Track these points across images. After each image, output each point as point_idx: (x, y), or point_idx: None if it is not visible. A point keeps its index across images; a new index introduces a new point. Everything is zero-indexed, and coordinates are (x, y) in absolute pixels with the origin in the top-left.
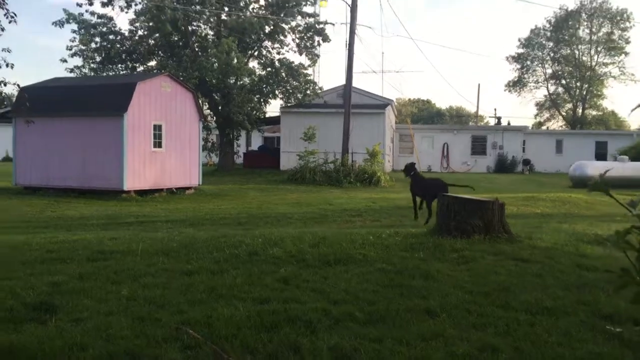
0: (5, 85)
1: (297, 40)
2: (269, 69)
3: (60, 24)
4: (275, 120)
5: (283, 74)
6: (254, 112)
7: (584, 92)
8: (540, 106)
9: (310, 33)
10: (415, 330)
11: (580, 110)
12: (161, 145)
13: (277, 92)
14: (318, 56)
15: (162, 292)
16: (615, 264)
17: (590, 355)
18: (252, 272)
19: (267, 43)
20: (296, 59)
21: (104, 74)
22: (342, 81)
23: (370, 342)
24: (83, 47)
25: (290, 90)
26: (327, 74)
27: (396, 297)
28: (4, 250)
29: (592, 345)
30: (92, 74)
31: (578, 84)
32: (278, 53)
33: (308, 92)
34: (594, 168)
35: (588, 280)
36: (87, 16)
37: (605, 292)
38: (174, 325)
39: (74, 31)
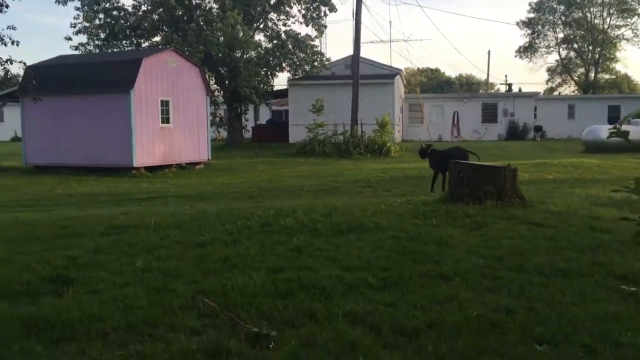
0: (11, 63)
1: (303, 11)
2: (275, 41)
3: (63, 1)
4: (283, 93)
5: (290, 46)
6: (262, 85)
7: (597, 56)
8: (551, 72)
9: (316, 3)
10: (429, 295)
11: (593, 75)
12: (169, 121)
13: (284, 64)
14: (325, 27)
15: (177, 264)
16: (630, 226)
17: (605, 314)
18: (264, 243)
19: (273, 15)
20: (302, 30)
21: (109, 50)
22: (349, 52)
23: (385, 306)
24: (87, 24)
25: (298, 63)
26: (335, 45)
27: (409, 263)
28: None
29: (607, 304)
30: (97, 51)
31: (590, 47)
32: (284, 25)
33: (315, 63)
34: (607, 132)
35: (602, 242)
36: None
37: (619, 252)
38: (189, 295)
39: (77, 8)
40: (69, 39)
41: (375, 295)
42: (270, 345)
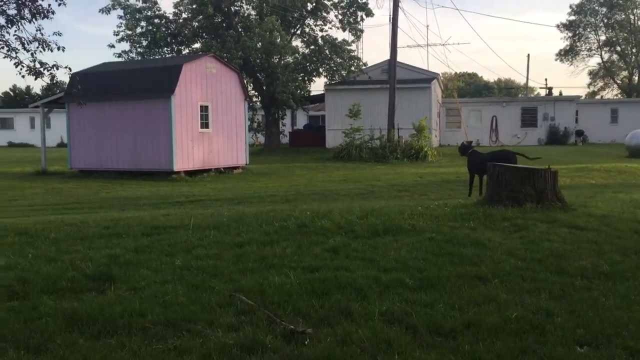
0: (57, 68)
1: (340, 16)
2: (312, 46)
3: (106, 10)
4: (319, 98)
5: (327, 51)
6: (299, 90)
7: None
8: (593, 75)
9: (353, 8)
10: (467, 296)
11: (637, 78)
12: (208, 126)
13: (321, 69)
14: (362, 31)
15: (215, 263)
16: None
17: None
18: (301, 243)
19: (310, 20)
20: (339, 35)
21: (151, 57)
22: (386, 56)
23: (422, 307)
24: (129, 32)
25: (334, 68)
26: (371, 50)
27: (446, 265)
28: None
29: None
30: (139, 58)
31: (634, 50)
32: (321, 30)
33: (352, 68)
34: None
35: None
36: (132, 1)
37: None
38: (227, 293)
39: (120, 17)
40: (112, 46)
41: (412, 296)
42: (306, 342)
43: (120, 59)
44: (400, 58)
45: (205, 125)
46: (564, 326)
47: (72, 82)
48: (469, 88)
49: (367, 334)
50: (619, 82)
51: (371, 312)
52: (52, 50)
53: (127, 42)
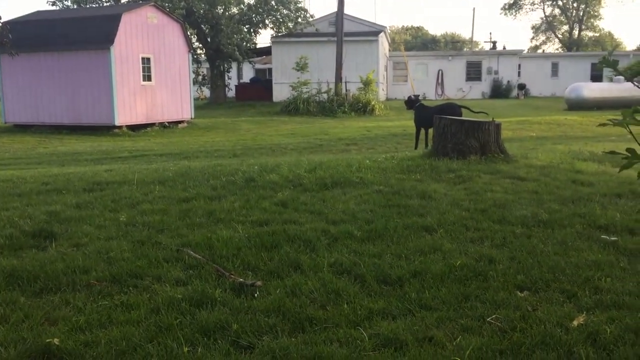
0: None
1: None
2: None
3: None
4: (266, 51)
5: (273, 3)
6: (244, 42)
7: (581, 13)
8: (536, 29)
9: None
10: (413, 246)
11: (577, 32)
12: (151, 79)
13: (267, 21)
14: None
15: (161, 218)
16: (610, 179)
17: (586, 262)
18: (249, 197)
19: None
20: None
21: (87, 6)
22: (333, 8)
23: (370, 257)
24: None
25: (281, 19)
26: (318, 1)
27: (394, 216)
28: None
29: (587, 253)
30: (75, 6)
31: (575, 4)
32: None
33: (299, 20)
34: (590, 90)
35: (584, 195)
36: None
37: (601, 204)
38: (174, 248)
39: None
40: None
41: (360, 247)
42: (256, 295)
43: (54, 8)
44: (347, 10)
45: (147, 77)
46: (505, 272)
47: (3, 31)
48: (415, 42)
49: (317, 285)
50: (560, 36)
51: (320, 263)
52: None
53: None
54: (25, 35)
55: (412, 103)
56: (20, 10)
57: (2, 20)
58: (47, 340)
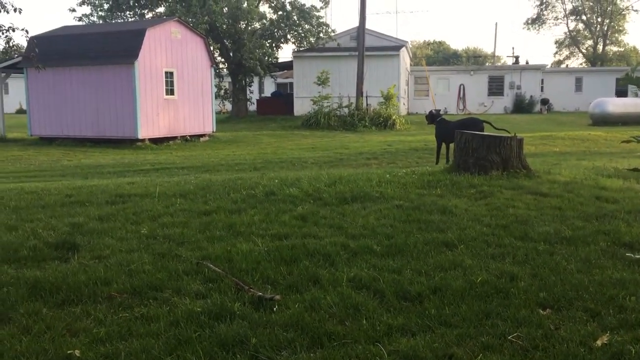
0: (13, 31)
1: None
2: (280, 12)
3: None
4: (287, 65)
5: (295, 17)
6: (266, 57)
7: (605, 28)
8: (559, 44)
9: None
10: (433, 262)
11: (601, 47)
12: (174, 93)
13: (289, 36)
14: None
15: (181, 231)
16: (636, 196)
17: (610, 281)
18: (269, 211)
19: None
20: (308, 1)
21: (113, 21)
22: (355, 23)
23: (389, 272)
24: None
25: (303, 34)
26: (340, 16)
27: (414, 231)
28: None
29: (611, 271)
30: (101, 22)
31: (599, 19)
32: None
33: (321, 35)
34: (615, 105)
35: (608, 211)
36: None
37: (625, 221)
38: (194, 261)
39: None
40: (73, 10)
41: (380, 262)
42: (275, 309)
43: (81, 23)
44: (369, 25)
45: (170, 91)
46: (527, 289)
47: (30, 45)
48: (437, 56)
49: (335, 299)
50: (584, 51)
51: (339, 278)
52: (7, 12)
53: (88, 5)
54: (52, 49)
55: (434, 117)
56: (47, 26)
57: (29, 35)
58: (69, 352)
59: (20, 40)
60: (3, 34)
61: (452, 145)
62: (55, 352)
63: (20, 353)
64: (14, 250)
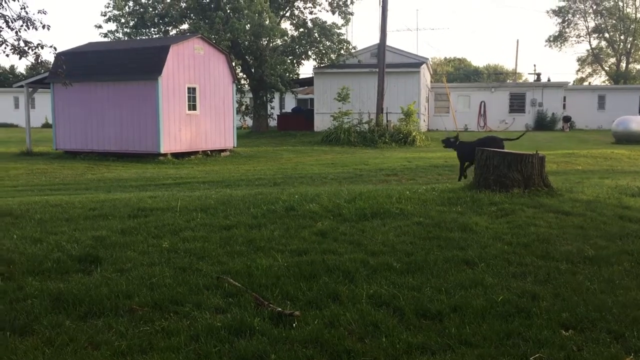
0: (42, 47)
1: None
2: (301, 29)
3: None
4: (308, 82)
5: (316, 34)
6: (287, 73)
7: (628, 46)
8: (581, 61)
9: None
10: (453, 280)
11: (624, 65)
12: (196, 108)
13: (310, 52)
14: (351, 14)
15: (202, 245)
16: None
17: (634, 302)
18: (289, 226)
19: (300, 3)
20: (329, 18)
21: (138, 38)
22: (376, 40)
23: (409, 290)
24: (117, 12)
25: (324, 51)
26: (361, 33)
27: (434, 249)
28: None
29: (636, 292)
30: (126, 38)
31: (622, 37)
32: (310, 13)
33: (341, 52)
34: (638, 123)
35: (632, 231)
36: None
37: None
38: (214, 275)
39: None
40: (99, 27)
41: (400, 279)
42: (294, 325)
43: (106, 39)
44: (389, 42)
45: (192, 107)
46: (549, 309)
47: (57, 61)
48: (457, 73)
49: (355, 316)
50: (606, 68)
51: (359, 295)
52: (36, 29)
53: (114, 22)
54: (78, 65)
55: (450, 144)
56: (73, 42)
57: (56, 52)
58: None
59: (47, 56)
60: (32, 50)
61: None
62: None
63: None
64: (39, 262)
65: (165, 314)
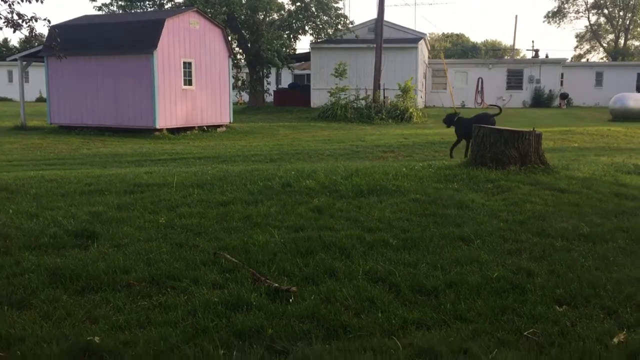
0: (35, 20)
1: None
2: (298, 3)
3: None
4: (305, 57)
5: (313, 9)
6: (284, 48)
7: (627, 22)
8: (580, 38)
9: None
10: (449, 256)
11: (623, 41)
12: (191, 83)
13: (307, 27)
14: None
15: (199, 221)
16: None
17: (628, 279)
18: (285, 203)
19: None
20: None
21: (132, 11)
22: (373, 15)
23: (405, 266)
24: None
25: (321, 26)
26: (358, 8)
27: (430, 225)
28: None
29: (630, 269)
30: (120, 11)
31: (621, 13)
32: None
33: (339, 26)
34: (636, 100)
35: (627, 209)
36: None
37: None
38: (211, 251)
39: None
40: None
41: (396, 256)
42: (291, 300)
43: (100, 13)
44: (387, 17)
45: (188, 82)
46: (543, 286)
47: (51, 35)
48: (455, 49)
49: (351, 292)
50: (605, 45)
51: (355, 271)
52: (30, 2)
53: None
54: (72, 38)
55: (451, 121)
56: (67, 15)
57: (50, 24)
58: (88, 338)
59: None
60: (26, 23)
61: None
62: (75, 338)
63: (41, 338)
64: (35, 237)
65: (163, 289)
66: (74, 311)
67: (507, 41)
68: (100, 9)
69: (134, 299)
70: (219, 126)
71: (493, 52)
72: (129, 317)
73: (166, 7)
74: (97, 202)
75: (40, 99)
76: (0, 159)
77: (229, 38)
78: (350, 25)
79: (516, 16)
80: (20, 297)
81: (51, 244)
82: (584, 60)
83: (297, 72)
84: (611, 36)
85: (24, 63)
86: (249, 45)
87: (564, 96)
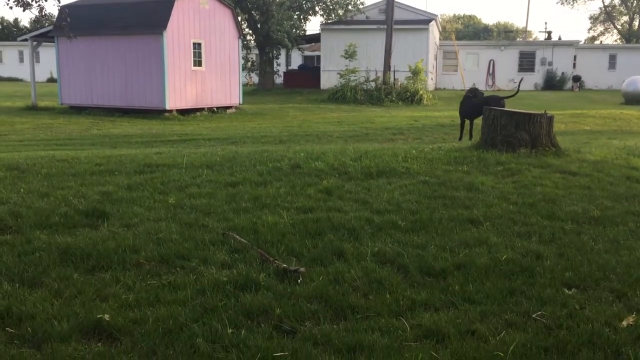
0: (45, 0)
1: None
2: None
3: None
4: (315, 38)
5: None
6: (294, 29)
7: None
8: (593, 19)
9: None
10: (458, 238)
11: (637, 23)
12: (201, 64)
13: (317, 8)
14: None
15: (208, 201)
16: None
17: (638, 262)
18: (295, 184)
19: None
20: None
21: None
22: None
23: (414, 248)
24: None
25: (331, 6)
26: None
27: (439, 207)
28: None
29: None
30: None
31: None
32: None
33: (349, 7)
34: None
35: (638, 192)
36: None
37: None
38: (220, 231)
39: None
40: None
41: (404, 237)
42: (299, 281)
43: None
44: None
45: (198, 63)
46: (552, 269)
47: (61, 14)
48: (467, 30)
49: (359, 273)
50: (619, 27)
51: (363, 252)
52: None
53: None
54: (82, 18)
55: (475, 94)
56: None
57: (60, 4)
58: (98, 316)
59: (51, 8)
60: (36, 2)
61: (475, 122)
62: (85, 316)
63: (52, 316)
64: (46, 216)
65: (172, 268)
66: (85, 289)
67: (519, 23)
68: None
69: (144, 277)
70: (228, 107)
71: (505, 34)
72: (139, 296)
73: None
74: (107, 182)
75: (51, 80)
76: (12, 138)
77: (239, 18)
78: (361, 6)
79: None
80: (31, 275)
81: (62, 223)
82: (597, 42)
83: (307, 53)
84: (625, 18)
85: (35, 43)
86: (259, 26)
87: (576, 79)
